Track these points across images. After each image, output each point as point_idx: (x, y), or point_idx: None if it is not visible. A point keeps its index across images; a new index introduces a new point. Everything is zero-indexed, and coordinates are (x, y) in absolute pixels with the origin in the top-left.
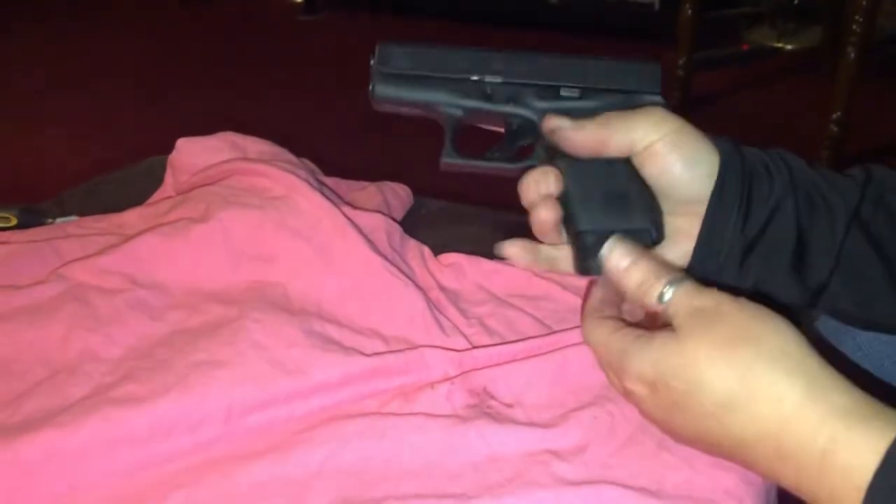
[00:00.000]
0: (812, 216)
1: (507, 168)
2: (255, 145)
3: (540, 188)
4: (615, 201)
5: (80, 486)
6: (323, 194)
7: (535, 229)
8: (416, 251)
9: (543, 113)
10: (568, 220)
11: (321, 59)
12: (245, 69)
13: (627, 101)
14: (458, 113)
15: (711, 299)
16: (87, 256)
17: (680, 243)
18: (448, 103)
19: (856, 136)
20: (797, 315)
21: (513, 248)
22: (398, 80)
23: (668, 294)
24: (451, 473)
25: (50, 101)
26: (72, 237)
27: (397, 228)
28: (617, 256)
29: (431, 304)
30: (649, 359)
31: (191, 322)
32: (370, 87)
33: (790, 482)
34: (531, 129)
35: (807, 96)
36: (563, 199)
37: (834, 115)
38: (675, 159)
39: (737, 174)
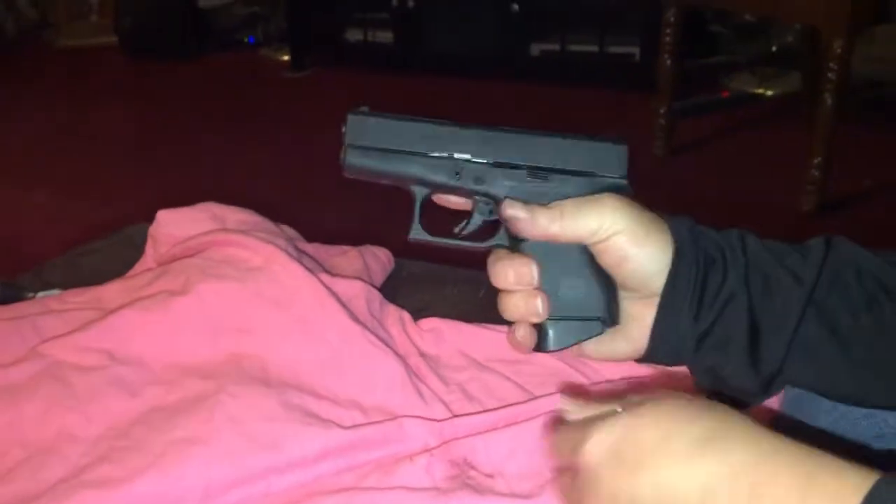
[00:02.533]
0: (767, 303)
1: (475, 247)
2: (235, 214)
3: (521, 279)
4: (573, 287)
5: None
6: (302, 263)
7: (508, 314)
8: (395, 317)
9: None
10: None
11: (309, 117)
12: (232, 128)
13: (594, 183)
14: (427, 189)
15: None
16: (66, 333)
17: (637, 328)
18: (417, 179)
19: (837, 180)
20: None
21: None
22: (369, 153)
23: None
24: None
25: (34, 165)
26: (52, 312)
27: (377, 295)
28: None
29: (411, 372)
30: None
31: (168, 398)
32: (341, 157)
33: None
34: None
35: (788, 141)
36: None
37: (815, 161)
38: (628, 255)
39: (690, 266)
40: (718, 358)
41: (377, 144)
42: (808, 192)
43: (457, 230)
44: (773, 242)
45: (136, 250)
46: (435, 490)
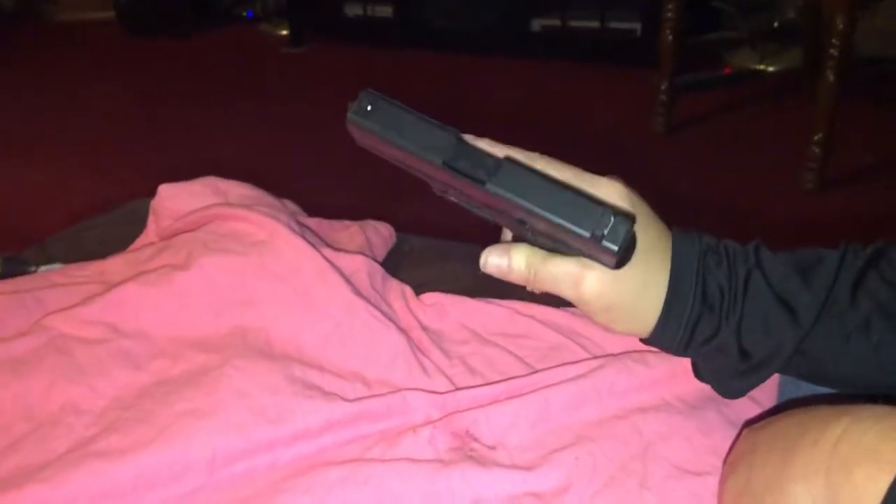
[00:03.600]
0: (762, 340)
1: (488, 218)
2: (237, 189)
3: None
4: None
5: None
6: (304, 238)
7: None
8: (397, 291)
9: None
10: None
11: (307, 93)
12: (230, 104)
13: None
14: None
15: None
16: (70, 307)
17: None
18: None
19: (839, 157)
20: None
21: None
22: (373, 150)
23: None
24: None
25: (34, 140)
26: (55, 286)
27: (379, 269)
28: None
29: (413, 346)
30: None
31: (173, 371)
32: None
33: None
34: None
35: (789, 118)
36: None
37: (815, 137)
38: (607, 328)
39: (675, 331)
40: (704, 374)
41: (375, 148)
42: (808, 169)
43: None
44: (783, 265)
45: (138, 225)
46: (438, 462)
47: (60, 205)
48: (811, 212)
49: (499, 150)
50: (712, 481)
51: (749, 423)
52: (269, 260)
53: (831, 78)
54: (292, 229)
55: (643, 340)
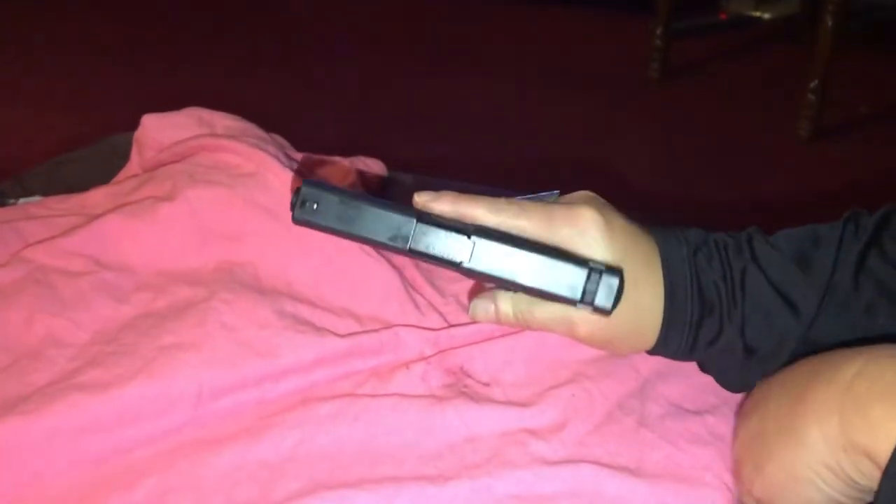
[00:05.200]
0: (765, 336)
1: None
2: (223, 120)
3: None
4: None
5: (46, 475)
6: (293, 170)
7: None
8: None
9: None
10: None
11: (298, 29)
12: (218, 40)
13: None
14: None
15: None
16: (50, 238)
17: None
18: None
19: (834, 104)
20: None
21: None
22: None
23: None
24: (427, 455)
25: (16, 77)
26: (35, 218)
27: None
28: None
29: (406, 282)
30: None
31: (157, 304)
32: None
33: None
34: None
35: (785, 65)
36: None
37: (811, 84)
38: (609, 349)
39: (677, 345)
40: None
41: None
42: (804, 117)
43: None
44: (779, 254)
45: (120, 159)
46: (431, 398)
47: (36, 141)
48: (805, 160)
49: (463, 208)
50: (711, 420)
51: None
52: (258, 193)
53: (829, 24)
54: (281, 162)
55: (647, 352)
